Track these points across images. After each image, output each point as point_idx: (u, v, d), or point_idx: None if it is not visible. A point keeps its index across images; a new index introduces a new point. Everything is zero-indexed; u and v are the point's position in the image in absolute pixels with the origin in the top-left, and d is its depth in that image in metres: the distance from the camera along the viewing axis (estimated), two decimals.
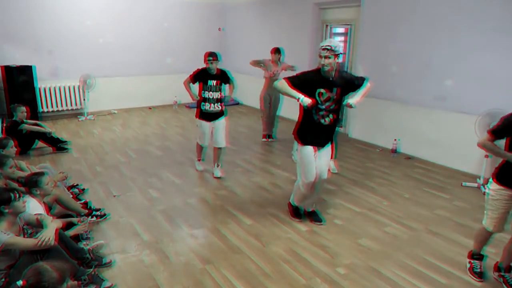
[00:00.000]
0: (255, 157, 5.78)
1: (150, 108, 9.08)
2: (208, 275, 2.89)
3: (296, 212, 3.82)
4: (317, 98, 3.30)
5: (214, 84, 4.55)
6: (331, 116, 3.39)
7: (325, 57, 3.16)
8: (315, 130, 3.41)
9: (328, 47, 3.15)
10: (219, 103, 4.64)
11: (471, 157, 4.93)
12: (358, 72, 6.46)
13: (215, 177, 4.79)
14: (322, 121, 3.38)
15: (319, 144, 3.47)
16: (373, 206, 4.12)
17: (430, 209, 4.06)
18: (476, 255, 2.94)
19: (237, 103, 9.76)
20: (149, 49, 8.82)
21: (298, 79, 3.30)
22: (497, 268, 2.87)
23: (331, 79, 3.28)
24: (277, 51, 6.18)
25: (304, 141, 3.46)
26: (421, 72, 5.48)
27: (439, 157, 5.33)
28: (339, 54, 3.19)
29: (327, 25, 7.25)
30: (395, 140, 5.85)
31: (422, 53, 5.42)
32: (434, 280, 2.87)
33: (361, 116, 6.62)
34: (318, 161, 3.46)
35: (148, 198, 4.23)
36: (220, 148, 4.79)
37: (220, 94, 4.62)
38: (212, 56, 4.46)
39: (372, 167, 5.33)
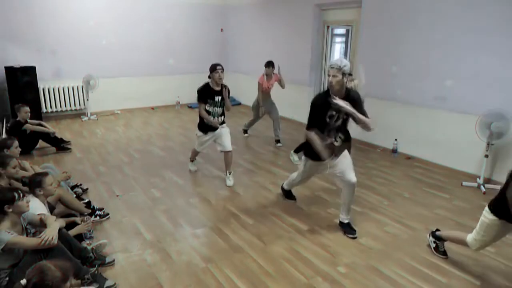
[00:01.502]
0: (257, 157, 5.81)
1: (152, 109, 9.11)
2: (210, 274, 2.92)
3: (289, 194, 4.21)
4: (327, 120, 3.32)
5: (219, 99, 4.54)
6: (340, 135, 3.43)
7: (333, 75, 3.14)
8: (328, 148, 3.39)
9: (336, 66, 3.12)
10: (222, 116, 4.65)
11: (471, 157, 4.95)
12: (359, 72, 6.49)
13: (228, 186, 4.63)
14: (334, 141, 3.41)
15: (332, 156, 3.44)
16: (373, 206, 4.14)
17: (430, 209, 4.08)
18: (442, 239, 3.18)
19: (239, 103, 9.78)
20: (152, 49, 8.86)
21: (313, 120, 3.35)
22: (435, 235, 3.23)
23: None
24: (270, 64, 6.18)
25: (313, 158, 3.49)
26: (421, 72, 5.50)
27: (439, 157, 5.35)
28: (347, 73, 3.16)
29: (327, 26, 7.26)
30: (395, 140, 5.87)
31: (422, 53, 5.44)
32: (434, 279, 2.89)
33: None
34: (337, 168, 3.44)
35: (151, 198, 4.27)
36: (228, 152, 4.67)
37: (223, 108, 4.63)
38: (220, 65, 4.47)
39: (373, 167, 5.36)
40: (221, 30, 9.88)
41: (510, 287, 2.81)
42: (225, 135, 4.65)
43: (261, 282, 2.82)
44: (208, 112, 4.54)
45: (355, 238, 3.44)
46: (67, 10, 7.65)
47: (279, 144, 6.38)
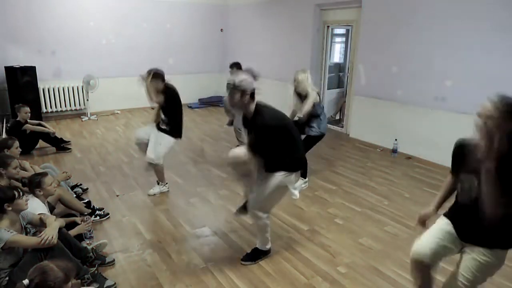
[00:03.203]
0: None
1: (152, 108, 9.08)
2: (210, 274, 2.92)
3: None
4: None
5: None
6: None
7: (229, 96, 2.73)
8: None
9: (230, 83, 2.68)
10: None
11: None
12: (359, 72, 6.49)
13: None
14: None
15: None
16: (373, 206, 4.14)
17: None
18: None
19: None
20: (152, 49, 8.86)
21: None
22: None
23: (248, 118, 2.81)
24: (233, 66, 5.88)
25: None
26: (421, 72, 5.50)
27: (439, 157, 5.34)
28: (245, 90, 2.64)
29: (327, 26, 7.27)
30: (395, 140, 5.87)
31: (422, 54, 5.44)
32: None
33: (361, 116, 6.65)
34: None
35: (151, 198, 4.27)
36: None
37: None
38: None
39: (372, 167, 5.36)
40: (221, 30, 9.88)
41: (510, 287, 2.81)
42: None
43: (261, 282, 2.82)
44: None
45: (245, 264, 3.05)
46: (67, 10, 7.65)
47: None
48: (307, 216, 3.89)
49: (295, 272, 2.95)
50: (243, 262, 3.06)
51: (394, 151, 5.88)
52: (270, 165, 2.81)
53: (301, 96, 4.39)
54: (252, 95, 2.69)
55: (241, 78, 2.67)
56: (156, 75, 4.11)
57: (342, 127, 7.30)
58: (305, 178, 4.55)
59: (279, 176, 2.79)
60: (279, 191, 2.86)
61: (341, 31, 8.21)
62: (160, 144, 4.19)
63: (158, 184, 4.43)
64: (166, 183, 4.50)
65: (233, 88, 2.65)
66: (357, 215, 3.91)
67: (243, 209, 3.17)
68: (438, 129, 5.35)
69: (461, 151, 2.03)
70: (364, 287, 2.79)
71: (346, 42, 8.29)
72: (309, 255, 3.18)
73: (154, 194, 4.34)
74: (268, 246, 3.13)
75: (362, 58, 6.43)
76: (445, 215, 2.25)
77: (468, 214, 2.01)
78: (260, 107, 2.73)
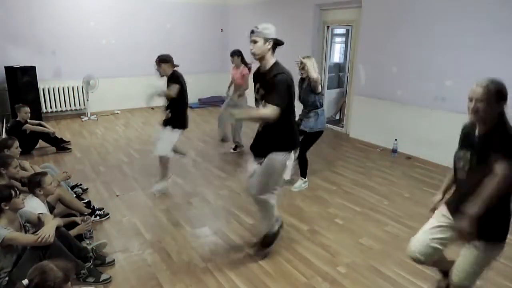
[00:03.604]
0: None
1: (152, 108, 9.10)
2: (210, 273, 2.91)
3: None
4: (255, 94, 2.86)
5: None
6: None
7: (252, 41, 2.67)
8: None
9: (255, 30, 2.61)
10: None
11: None
12: (359, 72, 6.50)
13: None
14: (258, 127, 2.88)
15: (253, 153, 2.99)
16: (373, 206, 4.14)
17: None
18: None
19: None
20: (152, 50, 8.75)
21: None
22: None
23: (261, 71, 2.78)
24: (233, 53, 5.77)
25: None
26: (421, 72, 5.50)
27: (439, 157, 5.34)
28: (268, 37, 2.61)
29: (327, 26, 7.27)
30: (395, 140, 5.87)
31: (421, 54, 5.44)
32: (434, 278, 2.88)
33: (361, 116, 6.65)
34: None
35: (151, 198, 4.27)
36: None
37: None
38: None
39: (373, 167, 5.36)
40: (221, 30, 9.88)
41: (510, 287, 2.81)
42: None
43: (261, 282, 2.82)
44: None
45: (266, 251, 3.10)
46: (67, 10, 7.65)
47: (234, 151, 5.92)
48: (307, 216, 3.89)
49: (295, 272, 2.95)
50: (261, 250, 3.07)
51: (394, 151, 5.88)
52: (272, 144, 2.77)
53: (303, 83, 4.39)
54: (275, 45, 2.65)
55: (265, 25, 2.61)
56: (164, 60, 4.16)
57: (342, 127, 7.31)
58: (304, 177, 4.55)
59: (281, 156, 2.77)
60: (281, 170, 2.84)
61: (341, 31, 8.21)
62: (162, 138, 4.23)
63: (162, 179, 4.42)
64: (169, 177, 4.51)
65: (255, 33, 2.59)
66: (357, 215, 3.91)
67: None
68: (438, 129, 5.35)
69: (462, 133, 2.19)
70: (364, 287, 2.79)
71: (346, 42, 8.29)
72: (309, 255, 3.18)
73: (159, 191, 4.33)
74: (276, 227, 3.12)
75: (362, 58, 6.43)
76: (446, 202, 2.33)
77: (463, 191, 2.09)
78: (279, 63, 2.69)
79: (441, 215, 2.27)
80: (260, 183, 2.85)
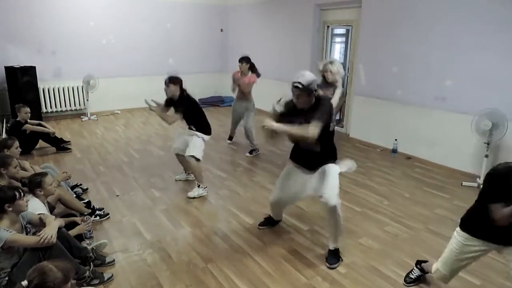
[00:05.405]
0: (256, 156, 5.81)
1: (152, 109, 9.10)
2: (210, 274, 2.92)
3: (267, 221, 3.69)
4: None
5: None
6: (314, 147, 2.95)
7: (296, 96, 2.76)
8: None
9: (299, 85, 2.66)
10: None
11: (471, 156, 4.95)
12: (359, 72, 6.50)
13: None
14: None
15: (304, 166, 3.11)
16: (373, 206, 4.14)
17: (430, 209, 4.09)
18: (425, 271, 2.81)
19: None
20: (152, 49, 8.86)
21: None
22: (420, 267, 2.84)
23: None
24: (242, 60, 5.73)
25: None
26: (421, 72, 5.50)
27: (439, 157, 5.35)
28: (313, 90, 2.73)
29: (327, 26, 7.27)
30: (395, 140, 5.87)
31: (421, 54, 5.44)
32: (433, 278, 2.89)
33: (361, 116, 6.65)
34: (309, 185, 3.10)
35: (151, 198, 4.27)
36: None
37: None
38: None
39: (372, 167, 5.36)
40: (221, 30, 9.88)
41: (511, 287, 2.81)
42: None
43: (261, 282, 2.82)
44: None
45: (332, 268, 2.99)
46: (67, 10, 7.65)
47: (250, 154, 5.85)
48: (307, 216, 3.89)
49: (295, 272, 2.95)
50: (332, 266, 3.00)
51: (394, 151, 5.88)
52: (328, 156, 3.00)
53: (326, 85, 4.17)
54: (316, 91, 2.77)
55: (309, 79, 2.67)
56: (173, 81, 4.13)
57: (342, 127, 7.30)
58: None
59: (334, 165, 2.99)
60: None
61: (341, 31, 8.20)
62: (194, 144, 4.25)
63: (199, 187, 4.34)
64: (206, 187, 4.41)
65: (302, 89, 2.66)
66: (357, 215, 3.91)
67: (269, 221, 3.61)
68: (438, 129, 5.35)
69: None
70: (364, 287, 2.79)
71: (346, 42, 8.28)
72: (309, 255, 3.18)
73: (194, 197, 4.27)
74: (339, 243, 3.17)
75: (362, 58, 6.43)
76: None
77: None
78: (319, 97, 2.83)
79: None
80: (335, 187, 2.93)
